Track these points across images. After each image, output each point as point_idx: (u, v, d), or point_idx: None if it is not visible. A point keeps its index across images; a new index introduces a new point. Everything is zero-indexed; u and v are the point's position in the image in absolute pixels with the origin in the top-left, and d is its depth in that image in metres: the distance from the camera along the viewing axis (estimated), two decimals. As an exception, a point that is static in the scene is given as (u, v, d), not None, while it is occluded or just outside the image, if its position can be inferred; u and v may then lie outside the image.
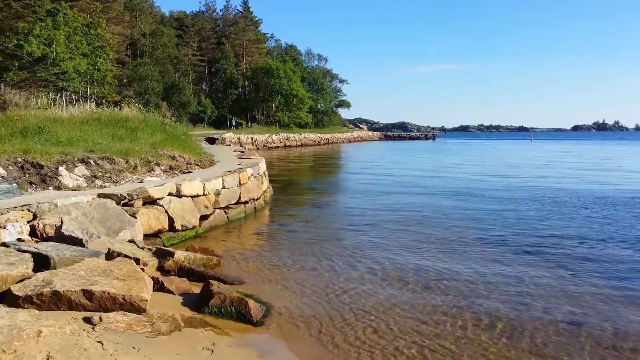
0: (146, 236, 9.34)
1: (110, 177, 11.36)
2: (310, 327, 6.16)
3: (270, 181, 18.50)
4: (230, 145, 37.06)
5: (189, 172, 13.77)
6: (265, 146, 60.74)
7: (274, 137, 65.68)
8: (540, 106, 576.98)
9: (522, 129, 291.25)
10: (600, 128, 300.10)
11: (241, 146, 41.63)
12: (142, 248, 8.06)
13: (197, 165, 15.22)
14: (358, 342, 5.74)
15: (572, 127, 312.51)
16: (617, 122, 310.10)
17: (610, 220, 13.18)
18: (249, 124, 76.57)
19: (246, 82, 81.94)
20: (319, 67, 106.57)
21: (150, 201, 9.90)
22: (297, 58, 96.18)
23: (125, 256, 7.05)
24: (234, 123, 66.37)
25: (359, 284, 7.81)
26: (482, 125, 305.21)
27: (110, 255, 7.05)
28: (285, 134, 70.74)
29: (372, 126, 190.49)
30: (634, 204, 15.90)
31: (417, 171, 29.79)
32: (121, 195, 9.51)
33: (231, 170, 14.03)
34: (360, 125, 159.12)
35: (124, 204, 9.43)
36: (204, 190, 11.58)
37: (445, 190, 19.83)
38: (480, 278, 8.14)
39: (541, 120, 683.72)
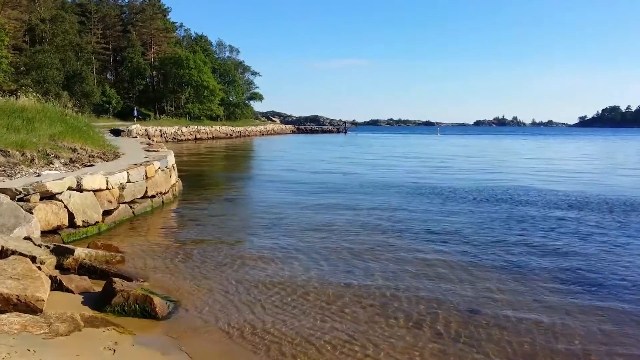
0: (44, 233, 8.90)
1: (4, 170, 10.69)
2: (219, 322, 6.14)
3: (180, 175, 18.12)
4: (137, 137, 35.77)
5: (92, 165, 13.21)
6: (175, 139, 59.20)
7: (184, 129, 64.07)
8: (445, 102, 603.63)
9: (428, 123, 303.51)
10: (500, 123, 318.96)
11: (149, 138, 40.32)
12: (39, 245, 7.67)
13: (101, 158, 14.63)
14: (268, 336, 5.79)
15: (475, 122, 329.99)
16: (515, 118, 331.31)
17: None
18: (158, 115, 74.18)
19: (154, 72, 79.15)
20: (231, 58, 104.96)
21: (49, 196, 9.43)
22: (208, 49, 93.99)
23: (21, 254, 6.69)
24: (135, 113, 63.54)
25: (270, 278, 7.86)
26: (391, 119, 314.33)
27: (4, 254, 6.67)
28: (196, 127, 69.15)
29: (285, 119, 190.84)
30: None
31: (325, 164, 30.29)
32: (16, 189, 8.98)
33: (137, 163, 13.62)
34: (273, 119, 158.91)
35: (20, 199, 8.92)
36: (107, 184, 11.17)
37: (351, 184, 20.34)
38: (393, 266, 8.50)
39: (446, 116, 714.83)
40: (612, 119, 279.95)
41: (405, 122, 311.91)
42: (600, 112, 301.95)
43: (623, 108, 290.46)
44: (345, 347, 5.57)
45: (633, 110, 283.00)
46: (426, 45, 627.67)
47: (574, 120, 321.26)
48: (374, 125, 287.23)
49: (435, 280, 7.90)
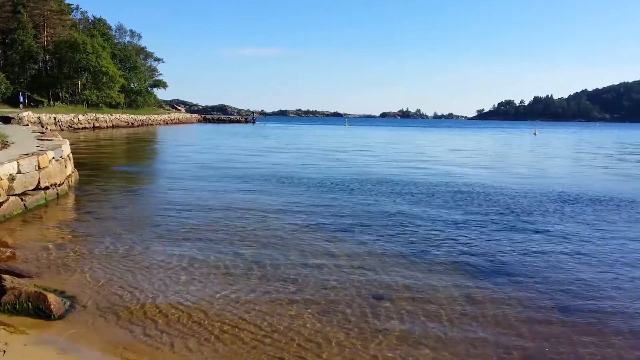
0: None
1: None
2: (120, 318, 5.94)
3: (77, 165, 17.25)
4: (28, 125, 33.55)
5: (-23, 155, 12.25)
6: (71, 127, 56.11)
7: (80, 117, 60.80)
8: (353, 94, 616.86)
9: (336, 114, 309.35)
10: (405, 116, 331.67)
11: (42, 127, 37.94)
12: None
13: (-13, 147, 13.60)
14: (172, 330, 5.68)
15: (381, 114, 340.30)
16: (418, 111, 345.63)
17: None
18: (52, 102, 69.82)
19: (48, 57, 74.43)
20: (132, 43, 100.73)
21: None
22: (107, 33, 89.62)
23: None
24: (21, 99, 58.90)
25: (173, 271, 7.69)
26: (300, 110, 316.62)
27: None
28: (94, 114, 65.85)
29: (191, 108, 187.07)
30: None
31: (233, 155, 30.02)
32: None
33: (29, 153, 12.79)
34: (178, 107, 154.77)
35: None
36: (-5, 175, 10.42)
37: (253, 176, 20.34)
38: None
39: (353, 107, 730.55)
40: (507, 113, 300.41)
41: (314, 112, 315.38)
42: (496, 105, 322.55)
43: (517, 102, 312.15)
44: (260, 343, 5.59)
45: (526, 105, 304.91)
46: (337, 34, 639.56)
47: (473, 113, 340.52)
48: (282, 115, 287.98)
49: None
